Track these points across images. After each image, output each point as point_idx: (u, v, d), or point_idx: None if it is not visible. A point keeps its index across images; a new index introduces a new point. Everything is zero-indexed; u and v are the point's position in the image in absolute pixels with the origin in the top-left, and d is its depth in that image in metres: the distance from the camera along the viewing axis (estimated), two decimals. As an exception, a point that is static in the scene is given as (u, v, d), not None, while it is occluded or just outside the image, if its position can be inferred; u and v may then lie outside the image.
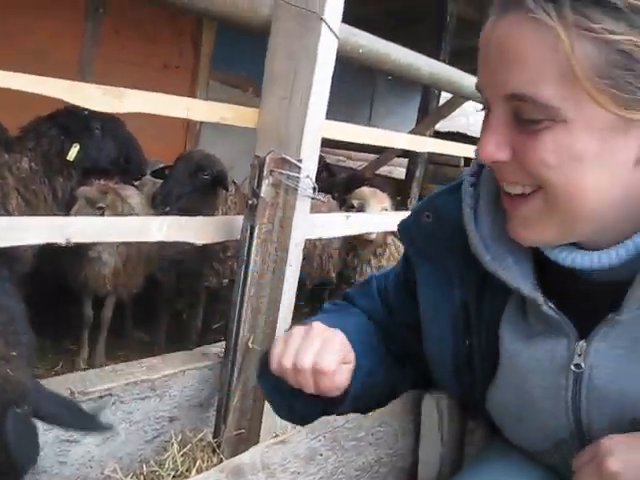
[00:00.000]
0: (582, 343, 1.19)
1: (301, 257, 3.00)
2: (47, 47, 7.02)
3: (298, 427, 1.50)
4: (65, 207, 4.40)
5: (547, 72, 1.03)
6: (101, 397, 2.73)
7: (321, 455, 1.50)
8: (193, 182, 4.47)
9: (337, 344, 1.33)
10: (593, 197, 1.09)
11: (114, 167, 4.70)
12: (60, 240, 2.46)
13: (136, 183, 5.23)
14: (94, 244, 4.07)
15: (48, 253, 4.10)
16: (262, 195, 2.83)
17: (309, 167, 2.91)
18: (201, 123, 8.57)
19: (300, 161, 2.85)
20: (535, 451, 1.36)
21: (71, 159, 4.27)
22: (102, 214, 4.11)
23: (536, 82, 1.04)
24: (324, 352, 1.29)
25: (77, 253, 4.26)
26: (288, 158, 2.83)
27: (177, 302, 5.86)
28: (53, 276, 4.60)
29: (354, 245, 5.42)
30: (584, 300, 1.20)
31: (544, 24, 1.01)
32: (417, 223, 1.46)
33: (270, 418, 3.04)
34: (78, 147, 4.30)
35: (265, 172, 2.81)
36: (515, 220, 1.19)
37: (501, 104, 1.10)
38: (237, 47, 8.75)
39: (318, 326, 1.33)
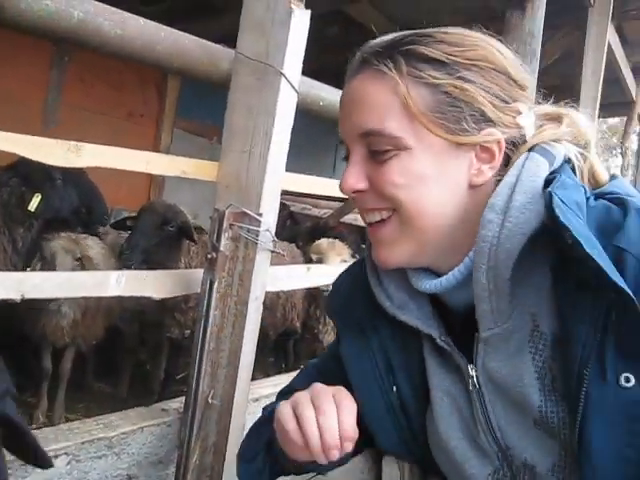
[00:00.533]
0: (470, 366, 1.36)
1: (261, 310, 2.98)
2: (12, 93, 7.01)
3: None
4: (24, 258, 4.35)
5: (390, 110, 1.29)
6: (56, 456, 2.66)
7: None
8: (159, 234, 4.44)
9: (350, 402, 1.38)
10: (436, 212, 1.32)
11: (75, 217, 4.67)
12: (15, 296, 2.42)
13: (100, 232, 5.19)
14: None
15: (4, 304, 4.04)
16: (221, 249, 2.82)
17: (269, 220, 2.91)
18: (165, 171, 8.54)
19: (260, 215, 2.85)
20: None
21: (32, 209, 4.24)
22: (81, 265, 4.08)
23: (382, 119, 1.29)
24: (346, 419, 1.33)
25: (35, 305, 4.20)
26: (248, 212, 2.83)
27: (140, 352, 5.78)
28: (10, 327, 4.52)
29: (315, 296, 5.44)
30: (462, 326, 1.40)
31: (385, 74, 1.30)
32: (335, 293, 1.71)
33: (229, 475, 2.99)
34: (40, 197, 4.27)
35: (225, 225, 2.80)
36: (377, 245, 1.41)
37: (357, 143, 1.35)
38: (201, 95, 8.80)
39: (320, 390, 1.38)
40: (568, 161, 1.39)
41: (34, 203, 4.22)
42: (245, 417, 3.04)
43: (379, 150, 1.32)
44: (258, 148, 2.91)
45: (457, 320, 1.44)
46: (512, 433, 1.34)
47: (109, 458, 2.86)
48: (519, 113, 1.36)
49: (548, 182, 1.27)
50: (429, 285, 1.40)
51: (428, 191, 1.30)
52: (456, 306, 1.43)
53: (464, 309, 1.40)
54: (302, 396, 1.37)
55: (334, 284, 1.75)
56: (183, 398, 3.16)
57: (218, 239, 2.83)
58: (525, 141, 1.38)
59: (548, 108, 1.47)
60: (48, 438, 2.72)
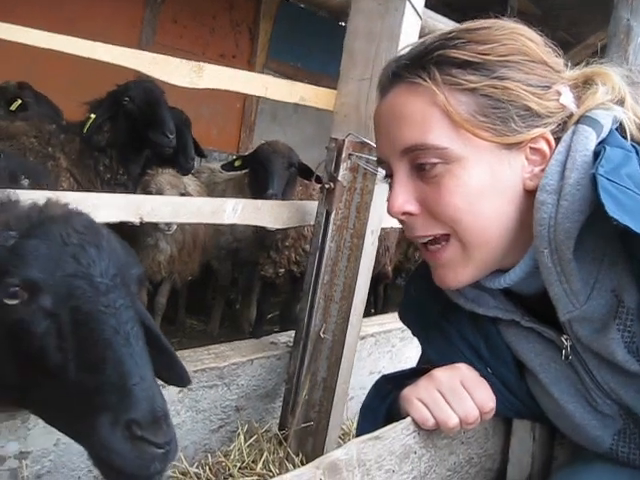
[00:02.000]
0: (564, 337, 1.35)
1: (377, 244, 2.89)
2: (105, 34, 6.99)
3: (393, 423, 1.43)
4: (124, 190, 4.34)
5: (431, 122, 1.25)
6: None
7: (415, 453, 1.45)
8: (287, 176, 4.45)
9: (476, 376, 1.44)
10: (498, 225, 1.28)
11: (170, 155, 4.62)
12: (134, 219, 2.38)
13: (194, 171, 5.18)
14: (151, 232, 4.00)
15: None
16: (339, 179, 2.73)
17: (389, 151, 2.80)
18: (256, 113, 8.52)
19: (380, 145, 2.73)
20: (605, 450, 1.42)
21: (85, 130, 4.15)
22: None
23: (425, 132, 1.25)
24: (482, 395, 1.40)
25: (133, 239, 4.22)
26: (367, 141, 2.72)
27: (231, 291, 5.81)
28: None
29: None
30: (541, 306, 1.37)
31: (420, 86, 1.27)
32: (407, 301, 1.70)
33: (338, 412, 2.94)
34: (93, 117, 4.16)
35: (343, 155, 2.71)
36: (439, 269, 1.37)
37: (400, 162, 1.31)
38: (293, 39, 8.70)
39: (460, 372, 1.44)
40: (616, 122, 1.31)
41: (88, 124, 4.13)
42: (355, 354, 2.97)
43: (426, 165, 1.26)
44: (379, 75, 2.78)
45: (533, 302, 1.41)
46: (625, 393, 1.31)
47: (219, 388, 2.84)
48: (560, 94, 1.29)
49: (597, 154, 1.19)
50: (498, 282, 1.37)
51: (489, 204, 1.26)
52: (527, 293, 1.39)
53: (537, 292, 1.36)
54: (431, 385, 1.40)
55: (404, 292, 1.73)
56: (291, 332, 3.12)
57: (336, 169, 2.74)
58: (572, 115, 1.30)
59: (575, 73, 1.38)
60: (161, 364, 2.70)
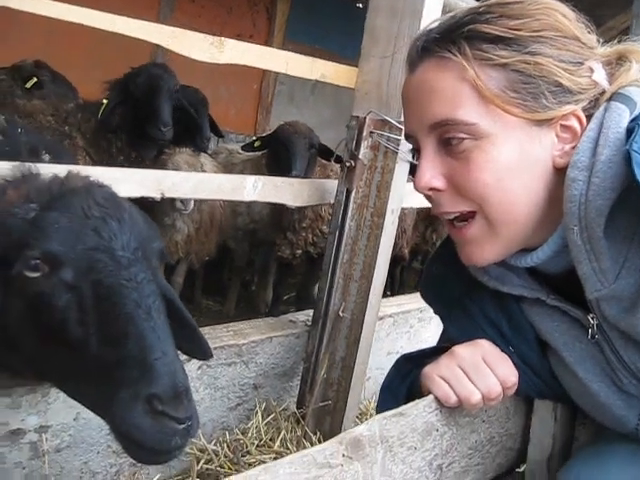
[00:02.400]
0: (590, 315, 1.35)
1: (397, 224, 2.87)
2: (123, 13, 6.96)
3: (415, 400, 1.43)
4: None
5: (461, 97, 1.24)
6: (188, 360, 2.64)
7: (437, 431, 1.45)
8: (308, 156, 4.44)
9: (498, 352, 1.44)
10: (525, 202, 1.27)
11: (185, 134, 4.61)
12: (155, 194, 2.37)
13: (210, 151, 5.17)
14: (169, 211, 3.99)
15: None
16: (360, 157, 2.70)
17: (410, 129, 2.76)
18: (273, 94, 8.51)
19: (401, 123, 2.70)
20: (630, 430, 1.43)
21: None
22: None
23: (454, 107, 1.25)
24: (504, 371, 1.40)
25: (151, 218, 4.21)
26: (389, 119, 2.69)
27: (247, 272, 5.82)
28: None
29: (432, 219, 5.29)
30: (567, 286, 1.36)
31: (450, 60, 1.26)
32: (428, 280, 1.70)
33: (356, 391, 2.93)
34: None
35: (364, 133, 2.68)
36: (465, 246, 1.37)
37: (428, 137, 1.31)
38: (310, 19, 8.65)
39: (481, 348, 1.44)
40: None
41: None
42: (373, 334, 2.96)
43: (454, 141, 1.25)
44: (402, 54, 2.74)
45: (559, 281, 1.40)
46: None
47: (238, 366, 2.84)
48: (592, 71, 1.27)
49: (630, 131, 1.18)
50: (524, 261, 1.37)
51: (517, 181, 1.25)
52: (553, 272, 1.38)
53: (563, 272, 1.35)
54: (453, 362, 1.39)
55: (425, 271, 1.73)
56: (310, 311, 3.11)
57: (357, 147, 2.71)
58: (604, 92, 1.28)
59: (608, 50, 1.36)
60: (180, 342, 2.70)
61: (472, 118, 1.23)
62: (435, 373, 1.39)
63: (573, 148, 1.25)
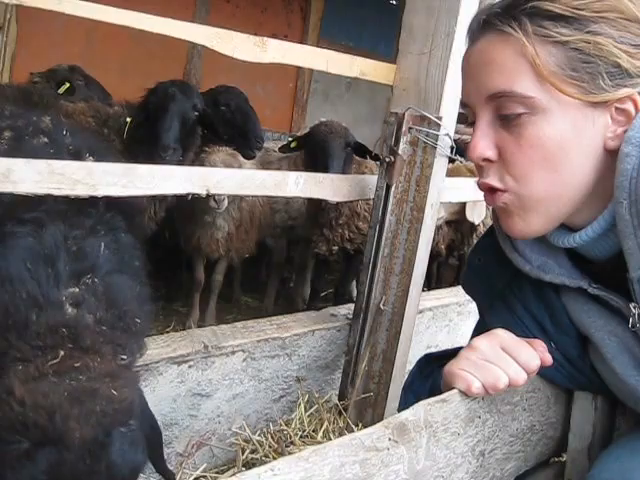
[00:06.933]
0: (632, 304, 1.32)
1: (436, 218, 2.90)
2: (161, 11, 7.01)
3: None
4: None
5: (519, 71, 1.25)
6: (233, 352, 2.72)
7: (479, 417, 1.47)
8: (343, 156, 4.41)
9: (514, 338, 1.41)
10: (571, 180, 1.28)
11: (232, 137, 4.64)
12: (200, 191, 2.43)
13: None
14: (209, 210, 4.05)
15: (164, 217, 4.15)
16: (400, 152, 2.74)
17: (448, 125, 2.80)
18: (308, 92, 8.55)
19: (440, 118, 2.74)
20: None
21: None
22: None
23: (511, 80, 1.26)
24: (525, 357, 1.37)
25: (192, 217, 4.29)
26: (427, 115, 2.73)
27: (285, 269, 5.87)
28: (165, 239, 4.66)
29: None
30: (609, 274, 1.36)
31: (511, 36, 1.26)
32: (470, 271, 1.69)
33: (396, 384, 2.97)
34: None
35: (404, 129, 2.72)
36: (505, 216, 1.37)
37: (484, 107, 1.32)
38: (344, 19, 8.68)
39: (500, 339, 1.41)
40: None
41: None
42: (413, 327, 3.00)
43: (510, 113, 1.27)
44: (439, 50, 2.79)
45: (601, 269, 1.39)
46: None
47: (281, 358, 2.90)
48: None
49: None
50: (570, 240, 1.37)
51: (567, 160, 1.26)
52: (597, 256, 1.38)
53: (607, 258, 1.35)
54: (473, 356, 1.38)
55: (467, 262, 1.72)
56: (351, 305, 3.16)
57: (396, 143, 2.75)
58: None
59: None
60: (225, 335, 2.77)
61: (529, 91, 1.24)
62: (456, 367, 1.39)
63: (625, 131, 1.25)
